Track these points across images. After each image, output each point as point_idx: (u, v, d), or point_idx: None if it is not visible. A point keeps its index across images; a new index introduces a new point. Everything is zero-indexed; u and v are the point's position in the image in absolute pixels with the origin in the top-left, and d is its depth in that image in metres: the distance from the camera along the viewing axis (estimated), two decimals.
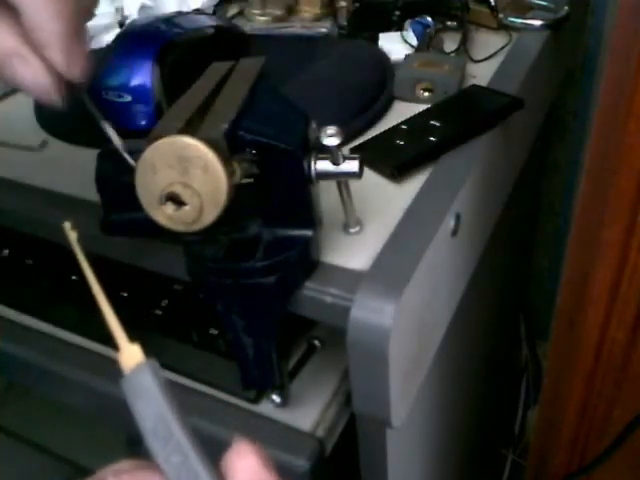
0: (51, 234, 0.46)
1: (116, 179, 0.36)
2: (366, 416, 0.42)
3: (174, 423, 0.19)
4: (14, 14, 0.26)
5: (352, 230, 0.40)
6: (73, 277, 0.54)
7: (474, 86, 0.54)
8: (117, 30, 0.68)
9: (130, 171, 0.31)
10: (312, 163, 0.35)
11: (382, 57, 0.60)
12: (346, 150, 0.45)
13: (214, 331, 0.48)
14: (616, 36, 0.44)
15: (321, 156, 0.36)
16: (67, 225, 0.23)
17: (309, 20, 0.69)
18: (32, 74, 0.27)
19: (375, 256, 0.38)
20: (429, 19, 0.63)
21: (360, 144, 0.49)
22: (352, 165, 0.36)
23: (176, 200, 0.30)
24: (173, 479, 0.19)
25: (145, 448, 0.20)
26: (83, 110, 0.54)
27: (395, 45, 0.61)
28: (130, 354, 0.21)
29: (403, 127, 0.49)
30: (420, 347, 0.40)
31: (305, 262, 0.37)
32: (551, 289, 1.10)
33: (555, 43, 0.64)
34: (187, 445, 0.19)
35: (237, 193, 0.31)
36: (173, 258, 0.40)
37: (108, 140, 0.32)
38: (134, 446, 0.23)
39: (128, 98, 0.51)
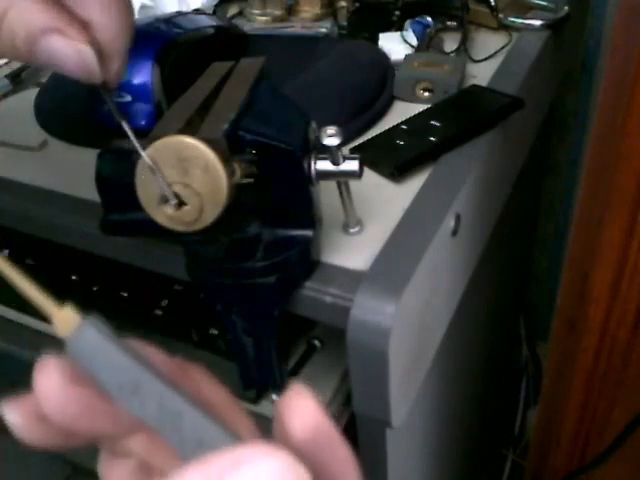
0: (51, 234, 0.46)
1: (116, 179, 0.36)
2: (366, 416, 0.42)
3: (137, 371, 0.17)
4: None
5: (352, 230, 0.40)
6: (73, 277, 0.54)
7: (474, 86, 0.54)
8: None
9: (130, 171, 0.31)
10: (312, 163, 0.35)
11: (382, 57, 0.60)
12: (346, 150, 0.45)
13: (214, 331, 0.48)
14: (616, 36, 0.44)
15: (321, 156, 0.36)
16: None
17: (309, 20, 0.69)
18: (74, 49, 0.25)
19: (375, 256, 0.38)
20: (429, 19, 0.63)
21: (360, 144, 0.49)
22: (352, 165, 0.36)
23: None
24: (157, 428, 0.17)
25: None
26: (83, 110, 0.54)
27: (395, 45, 0.61)
28: (64, 319, 0.18)
29: (403, 127, 0.49)
30: (420, 347, 0.40)
31: (305, 262, 0.37)
32: (551, 289, 1.10)
33: (555, 43, 0.64)
34: (158, 388, 0.17)
35: (237, 193, 0.31)
36: (173, 258, 0.40)
37: (126, 139, 0.31)
38: None
39: (128, 98, 0.51)
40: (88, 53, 0.25)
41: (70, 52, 0.25)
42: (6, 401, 0.18)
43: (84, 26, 0.25)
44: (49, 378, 0.18)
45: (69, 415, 0.18)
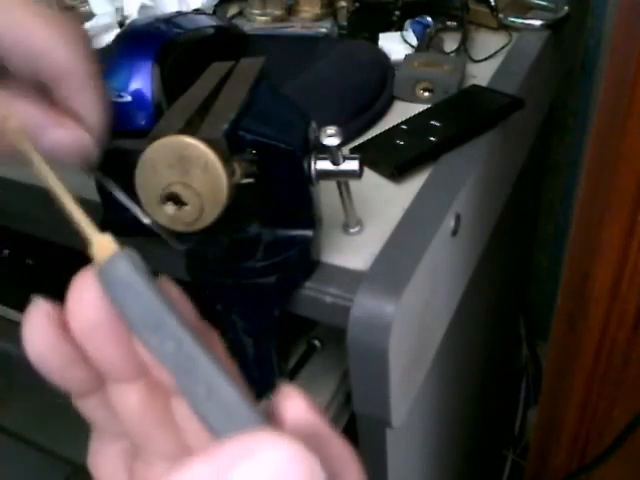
0: (51, 234, 0.46)
1: (116, 179, 0.36)
2: (366, 416, 0.42)
3: (163, 310, 0.17)
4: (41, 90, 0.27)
5: (352, 230, 0.40)
6: (73, 277, 0.54)
7: (474, 86, 0.54)
8: (117, 30, 0.68)
9: (130, 171, 0.31)
10: (312, 163, 0.35)
11: (382, 57, 0.60)
12: (346, 150, 0.45)
13: None
14: (616, 36, 0.44)
15: (321, 156, 0.36)
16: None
17: (309, 20, 0.69)
18: (74, 137, 0.28)
19: (375, 256, 0.38)
20: (429, 19, 0.63)
21: (360, 144, 0.49)
22: (352, 165, 0.36)
23: (176, 200, 0.30)
24: (170, 368, 0.17)
25: None
26: None
27: (395, 45, 0.61)
28: (103, 245, 0.18)
29: (403, 127, 0.49)
30: (420, 347, 0.40)
31: (305, 262, 0.37)
32: (551, 289, 1.10)
33: (555, 43, 0.64)
34: (180, 331, 0.17)
35: (237, 193, 0.31)
36: (173, 258, 0.40)
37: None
38: None
39: (128, 98, 0.51)
40: (87, 138, 0.28)
41: (71, 140, 0.28)
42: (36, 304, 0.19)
43: (76, 117, 0.28)
44: (87, 291, 0.18)
45: (95, 326, 0.18)
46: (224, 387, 0.17)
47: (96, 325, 0.18)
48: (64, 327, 0.19)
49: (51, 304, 0.19)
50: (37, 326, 0.19)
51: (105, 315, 0.18)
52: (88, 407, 0.21)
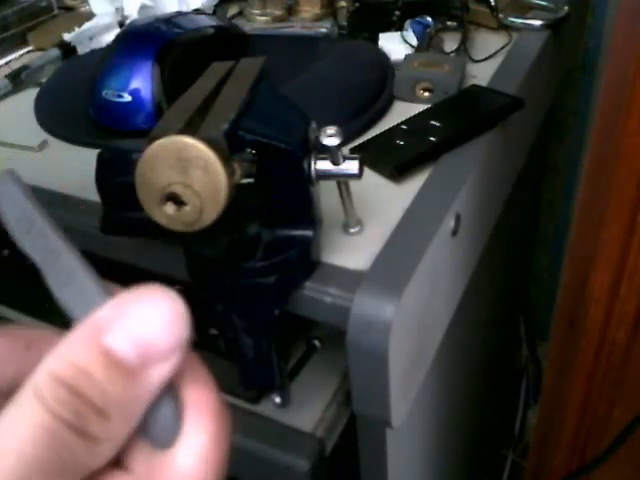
0: None
1: (116, 179, 0.36)
2: (366, 416, 0.42)
3: (34, 215, 0.20)
4: None
5: (352, 230, 0.40)
6: None
7: (474, 86, 0.54)
8: (117, 30, 0.68)
9: (130, 171, 0.31)
10: (312, 163, 0.35)
11: (382, 57, 0.60)
12: (346, 150, 0.45)
13: (214, 331, 0.48)
14: (616, 36, 0.44)
15: (321, 156, 0.36)
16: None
17: (309, 20, 0.69)
18: None
19: (375, 256, 0.38)
20: (429, 19, 0.63)
21: (360, 144, 0.49)
22: (352, 165, 0.36)
23: (176, 200, 0.30)
24: (38, 260, 0.19)
25: None
26: (83, 110, 0.54)
27: (395, 45, 0.61)
28: None
29: (403, 127, 0.49)
30: (420, 347, 0.40)
31: (305, 262, 0.37)
32: (551, 289, 1.10)
33: (555, 43, 0.64)
34: (47, 230, 0.20)
35: (237, 193, 0.31)
36: (173, 258, 0.40)
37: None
38: None
39: (128, 98, 0.51)
40: None
41: None
42: None
43: None
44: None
45: None
46: (82, 276, 0.19)
47: None
48: None
49: None
50: None
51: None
52: None
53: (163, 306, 0.17)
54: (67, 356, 0.16)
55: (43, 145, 0.53)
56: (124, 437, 0.17)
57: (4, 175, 0.20)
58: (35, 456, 0.15)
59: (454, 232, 0.42)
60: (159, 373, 0.17)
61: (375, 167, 0.46)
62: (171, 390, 0.18)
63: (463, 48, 0.60)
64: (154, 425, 0.18)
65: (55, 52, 0.66)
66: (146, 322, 0.16)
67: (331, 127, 0.34)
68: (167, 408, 0.18)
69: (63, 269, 0.19)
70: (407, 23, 0.62)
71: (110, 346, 0.16)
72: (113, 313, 0.17)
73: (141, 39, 0.54)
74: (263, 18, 0.70)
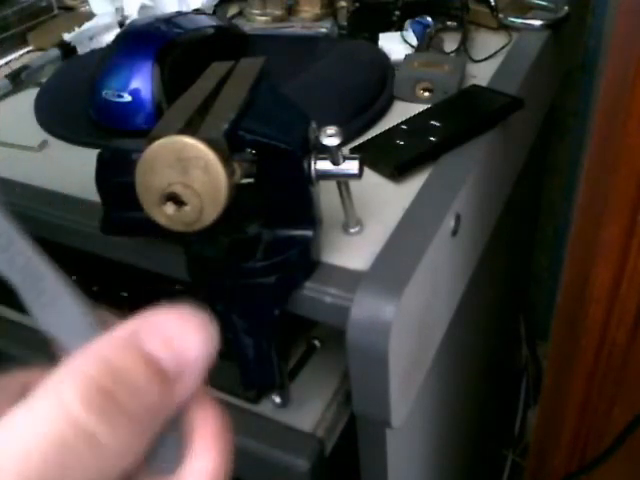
0: (51, 234, 0.46)
1: (116, 179, 0.36)
2: (366, 416, 0.42)
3: (13, 231, 0.19)
4: None
5: (352, 230, 0.40)
6: (73, 277, 0.54)
7: (474, 86, 0.54)
8: (117, 30, 0.68)
9: (130, 171, 0.31)
10: (312, 163, 0.35)
11: (382, 57, 0.60)
12: (346, 150, 0.45)
13: None
14: (616, 36, 0.44)
15: (321, 156, 0.36)
16: None
17: (309, 20, 0.69)
18: None
19: (375, 256, 0.38)
20: (429, 19, 0.63)
21: (360, 144, 0.49)
22: (352, 165, 0.36)
23: (176, 200, 0.30)
24: (17, 281, 0.18)
25: None
26: (83, 110, 0.54)
27: (395, 45, 0.61)
28: None
29: (403, 127, 0.49)
30: (420, 347, 0.40)
31: (305, 262, 0.37)
32: (551, 289, 1.10)
33: (555, 43, 0.64)
34: (28, 249, 0.19)
35: (237, 193, 0.31)
36: (173, 258, 0.40)
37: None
38: None
39: (128, 98, 0.51)
40: None
41: None
42: None
43: None
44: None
45: None
46: (65, 297, 0.18)
47: None
48: None
49: None
50: None
51: None
52: None
53: (197, 321, 0.16)
54: (99, 353, 0.15)
55: (43, 145, 0.53)
56: (144, 449, 0.16)
57: None
58: (56, 463, 0.14)
59: (454, 232, 0.42)
60: (189, 385, 0.16)
61: (375, 167, 0.46)
62: (179, 415, 0.17)
63: (463, 48, 0.60)
64: (161, 449, 0.17)
65: (55, 52, 0.66)
66: (182, 333, 0.16)
67: (331, 127, 0.34)
68: (174, 434, 0.17)
69: (46, 292, 0.18)
70: (407, 23, 0.62)
71: (151, 351, 0.15)
72: (146, 322, 0.16)
73: (141, 39, 0.54)
74: (263, 18, 0.70)
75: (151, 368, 0.15)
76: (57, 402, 0.14)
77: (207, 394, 0.18)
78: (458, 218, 0.42)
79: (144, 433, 0.15)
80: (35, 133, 0.55)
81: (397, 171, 0.44)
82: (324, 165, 0.36)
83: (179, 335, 0.16)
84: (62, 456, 0.14)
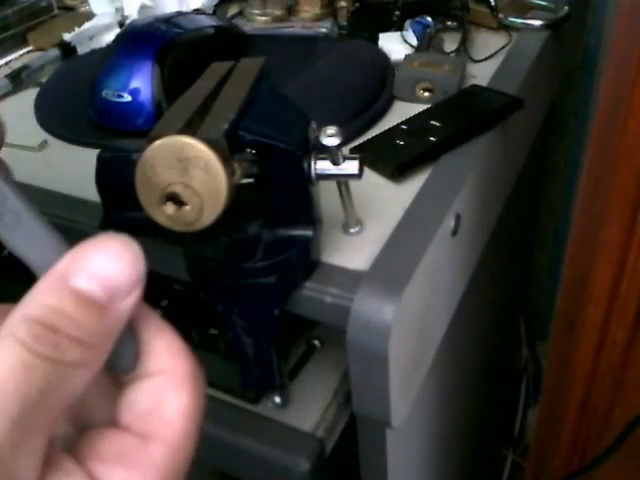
0: None
1: (116, 179, 0.36)
2: (366, 416, 0.42)
3: (7, 190, 0.20)
4: None
5: (352, 230, 0.40)
6: None
7: (474, 86, 0.54)
8: (117, 30, 0.68)
9: (130, 171, 0.31)
10: (312, 163, 0.35)
11: (382, 57, 0.60)
12: (346, 150, 0.45)
13: (214, 331, 0.48)
14: (616, 36, 0.44)
15: (321, 156, 0.36)
16: None
17: (309, 20, 0.69)
18: None
19: (375, 256, 0.38)
20: (429, 19, 0.63)
21: (360, 144, 0.49)
22: (352, 165, 0.36)
23: (176, 200, 0.30)
24: (8, 241, 0.20)
25: None
26: (83, 110, 0.54)
27: (395, 45, 0.61)
28: None
29: (403, 127, 0.49)
30: (420, 347, 0.40)
31: (305, 262, 0.37)
32: (551, 289, 1.10)
33: (555, 43, 0.64)
34: (22, 208, 0.20)
35: (237, 193, 0.31)
36: (173, 258, 0.40)
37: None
38: None
39: (128, 98, 0.51)
40: None
41: None
42: None
43: None
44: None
45: None
46: (29, 218, 0.20)
47: None
48: None
49: None
50: None
51: None
52: None
53: (119, 248, 0.19)
54: (39, 300, 0.18)
55: (43, 145, 0.53)
56: (101, 364, 0.19)
57: None
58: (18, 391, 0.17)
59: (454, 232, 0.42)
60: (124, 305, 0.19)
61: (375, 167, 0.46)
62: (130, 327, 0.20)
63: (463, 48, 0.60)
64: (118, 354, 0.20)
65: (55, 52, 0.66)
66: (106, 263, 0.18)
67: (331, 127, 0.34)
68: (128, 341, 0.20)
69: (11, 212, 0.20)
70: (407, 23, 0.62)
71: (78, 287, 0.18)
72: (75, 260, 0.19)
73: (141, 39, 0.54)
74: (263, 18, 0.70)
75: (81, 300, 0.18)
76: (11, 341, 0.17)
77: (152, 313, 0.21)
78: (458, 218, 0.42)
79: (95, 351, 0.18)
80: (35, 133, 0.55)
81: (397, 171, 0.44)
82: (324, 165, 0.36)
83: (103, 265, 0.18)
84: (23, 388, 0.17)
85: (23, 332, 0.17)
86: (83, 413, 0.21)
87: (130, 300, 0.19)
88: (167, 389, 0.20)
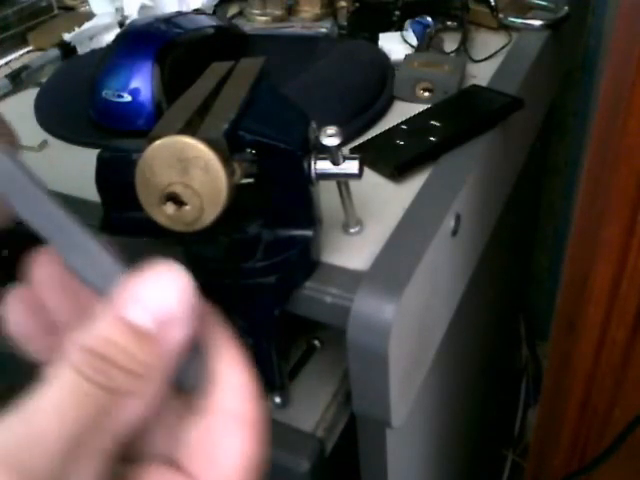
0: None
1: (116, 179, 0.36)
2: (366, 416, 0.42)
3: (37, 190, 0.22)
4: None
5: (352, 230, 0.40)
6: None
7: (474, 86, 0.54)
8: (117, 30, 0.68)
9: (130, 171, 0.31)
10: (312, 163, 0.35)
11: (382, 57, 0.60)
12: (346, 150, 0.45)
13: None
14: (616, 36, 0.44)
15: (321, 156, 0.36)
16: None
17: (309, 20, 0.69)
18: None
19: (375, 256, 0.38)
20: (429, 19, 0.63)
21: (360, 144, 0.49)
22: (352, 165, 0.36)
23: (176, 200, 0.30)
24: (47, 233, 0.21)
25: None
26: (83, 110, 0.54)
27: (395, 45, 0.61)
28: None
29: (403, 127, 0.49)
30: (420, 347, 0.40)
31: (305, 262, 0.37)
32: (551, 289, 1.10)
33: (555, 43, 0.64)
34: (50, 205, 0.22)
35: (237, 193, 0.31)
36: (173, 258, 0.40)
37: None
38: None
39: (128, 98, 0.51)
40: None
41: None
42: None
43: None
44: (43, 268, 0.23)
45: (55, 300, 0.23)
46: (88, 242, 0.21)
47: (50, 279, 0.23)
48: (34, 303, 0.23)
49: (22, 288, 0.24)
50: (13, 303, 0.23)
51: (55, 273, 0.23)
52: None
53: (171, 279, 0.20)
54: (95, 330, 0.19)
55: (43, 145, 0.53)
56: (154, 393, 0.19)
57: (2, 155, 0.21)
58: (76, 417, 0.17)
59: (454, 232, 0.42)
60: (176, 336, 0.19)
61: (375, 167, 0.46)
62: (197, 348, 0.21)
63: (463, 48, 0.60)
64: (184, 375, 0.20)
65: (55, 52, 0.66)
66: (158, 294, 0.19)
67: (331, 127, 0.34)
68: (194, 361, 0.21)
69: (69, 236, 0.21)
70: (407, 23, 0.62)
71: (131, 318, 0.19)
72: (128, 290, 0.19)
73: (141, 39, 0.54)
74: (263, 18, 0.70)
75: (133, 332, 0.19)
76: (67, 367, 0.18)
77: (221, 326, 0.23)
78: (458, 218, 0.42)
79: (147, 381, 0.19)
80: (35, 133, 0.55)
81: (397, 171, 0.44)
82: (324, 165, 0.36)
83: (154, 296, 0.19)
84: (79, 413, 0.17)
85: (79, 360, 0.18)
86: (141, 443, 0.22)
87: (183, 331, 0.19)
88: (229, 432, 0.21)
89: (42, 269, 0.23)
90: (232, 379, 0.21)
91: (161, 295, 0.19)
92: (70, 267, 0.21)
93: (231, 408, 0.21)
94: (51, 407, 0.17)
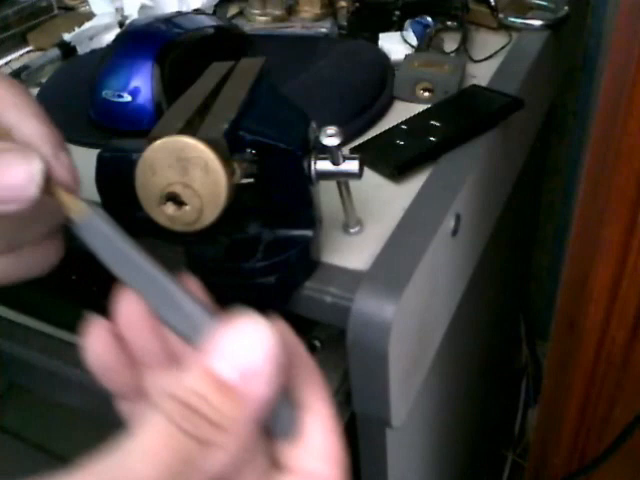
0: None
1: (116, 179, 0.36)
2: (366, 416, 0.42)
3: (125, 246, 0.23)
4: None
5: (352, 230, 0.40)
6: (73, 277, 0.54)
7: (474, 86, 0.54)
8: (117, 30, 0.68)
9: (130, 171, 0.31)
10: (312, 163, 0.35)
11: (382, 57, 0.60)
12: (346, 150, 0.45)
13: None
14: (616, 36, 0.44)
15: (321, 156, 0.36)
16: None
17: (309, 20, 0.69)
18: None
19: (375, 256, 0.38)
20: (429, 19, 0.63)
21: (360, 144, 0.49)
22: (352, 165, 0.36)
23: (176, 200, 0.30)
24: (139, 289, 0.22)
25: None
26: (83, 110, 0.54)
27: (395, 45, 0.61)
28: (79, 208, 0.24)
29: (403, 127, 0.49)
30: (420, 347, 0.40)
31: (305, 262, 0.37)
32: (551, 289, 1.10)
33: (555, 43, 0.64)
34: (140, 259, 0.23)
35: (237, 193, 0.31)
36: (173, 258, 0.40)
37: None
38: None
39: (128, 98, 0.51)
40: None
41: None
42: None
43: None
44: (130, 307, 0.24)
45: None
46: (177, 293, 0.22)
47: (136, 320, 0.24)
48: (115, 337, 0.24)
49: (104, 320, 0.24)
50: (95, 335, 0.24)
51: (141, 313, 0.24)
52: (127, 409, 0.26)
53: (259, 334, 0.20)
54: (185, 382, 0.20)
55: None
56: (239, 446, 0.20)
57: (91, 211, 0.23)
58: (169, 462, 0.18)
59: (454, 232, 0.42)
60: (260, 391, 0.20)
61: (375, 167, 0.46)
62: (286, 397, 0.22)
63: (463, 48, 0.60)
64: (275, 424, 0.22)
65: (55, 52, 0.66)
66: (245, 350, 0.20)
67: (331, 127, 0.34)
68: (283, 411, 0.22)
69: (163, 293, 0.22)
70: (407, 23, 0.62)
71: (219, 374, 0.20)
72: (218, 343, 0.20)
73: (141, 39, 0.54)
74: (263, 18, 0.70)
75: (220, 387, 0.20)
76: (160, 414, 0.19)
77: (319, 385, 0.24)
78: (458, 218, 0.42)
79: (232, 433, 0.20)
80: None
81: (397, 171, 0.44)
82: (324, 165, 0.36)
83: (241, 352, 0.20)
84: (171, 458, 0.19)
85: (171, 409, 0.19)
86: None
87: (268, 386, 0.20)
88: None
89: (130, 308, 0.24)
90: (320, 439, 0.22)
91: (248, 350, 0.20)
92: (162, 319, 0.22)
93: (313, 470, 0.22)
94: (145, 451, 0.18)
